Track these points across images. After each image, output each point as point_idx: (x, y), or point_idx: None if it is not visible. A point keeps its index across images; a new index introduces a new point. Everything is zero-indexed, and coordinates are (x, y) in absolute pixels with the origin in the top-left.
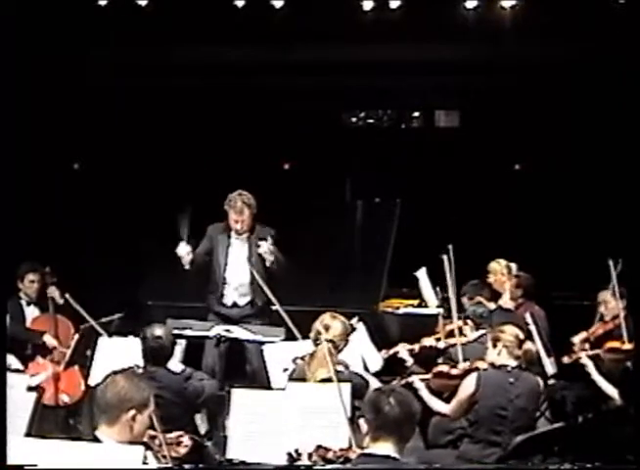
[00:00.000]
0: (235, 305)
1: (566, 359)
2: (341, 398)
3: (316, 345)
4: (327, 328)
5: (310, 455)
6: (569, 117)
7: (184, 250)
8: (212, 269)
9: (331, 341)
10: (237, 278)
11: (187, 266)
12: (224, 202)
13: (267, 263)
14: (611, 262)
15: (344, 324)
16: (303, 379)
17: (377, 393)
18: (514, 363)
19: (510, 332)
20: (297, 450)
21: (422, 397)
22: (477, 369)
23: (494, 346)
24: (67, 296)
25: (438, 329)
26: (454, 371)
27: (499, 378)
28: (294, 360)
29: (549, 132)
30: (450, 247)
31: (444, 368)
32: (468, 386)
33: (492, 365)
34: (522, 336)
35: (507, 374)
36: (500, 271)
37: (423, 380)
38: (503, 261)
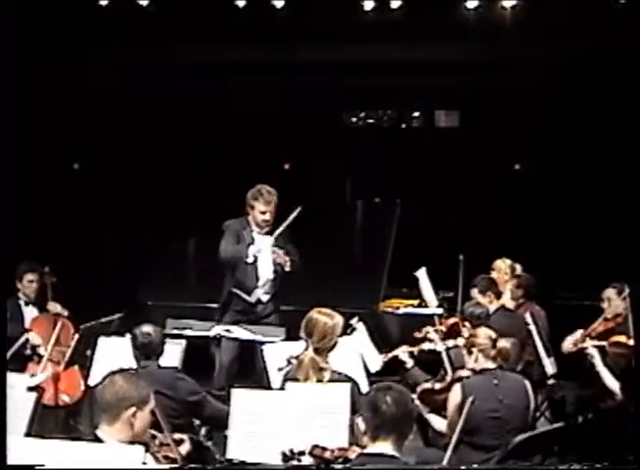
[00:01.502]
0: (259, 301)
1: (571, 347)
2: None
3: (306, 347)
4: (311, 333)
5: (302, 453)
6: (569, 116)
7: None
8: (239, 267)
9: (315, 349)
10: (265, 275)
11: (250, 259)
12: (246, 195)
13: (287, 268)
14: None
15: (332, 318)
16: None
17: (374, 391)
18: (492, 365)
19: (483, 335)
20: (291, 450)
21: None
22: (460, 379)
23: (469, 352)
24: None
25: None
26: (438, 386)
27: (483, 382)
28: (288, 360)
29: (549, 132)
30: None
31: (428, 385)
32: (454, 398)
33: (473, 371)
34: (494, 336)
35: (490, 376)
36: (504, 270)
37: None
38: (508, 261)
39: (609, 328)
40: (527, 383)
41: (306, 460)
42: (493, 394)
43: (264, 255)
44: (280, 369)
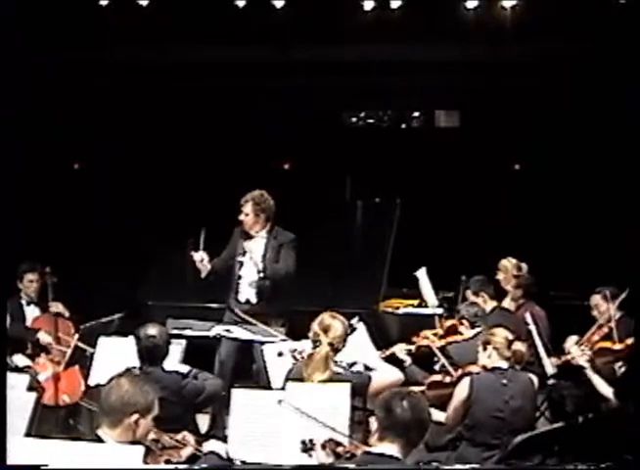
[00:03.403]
0: (247, 301)
1: (554, 361)
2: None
3: (315, 346)
4: (326, 330)
5: (323, 446)
6: (569, 116)
7: (198, 257)
8: (232, 268)
9: (330, 344)
10: (250, 275)
11: (203, 275)
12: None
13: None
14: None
15: (344, 324)
16: (301, 379)
17: (391, 394)
18: (505, 365)
19: (500, 335)
20: (311, 440)
21: None
22: (469, 374)
23: (484, 349)
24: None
25: (437, 329)
26: (447, 379)
27: (492, 380)
28: (291, 351)
29: (549, 132)
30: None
31: (438, 377)
32: (461, 391)
33: (484, 368)
34: (511, 337)
35: (500, 376)
36: (510, 270)
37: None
38: (514, 260)
39: (603, 335)
40: (536, 384)
41: (317, 453)
42: (500, 393)
43: (253, 256)
44: (280, 354)
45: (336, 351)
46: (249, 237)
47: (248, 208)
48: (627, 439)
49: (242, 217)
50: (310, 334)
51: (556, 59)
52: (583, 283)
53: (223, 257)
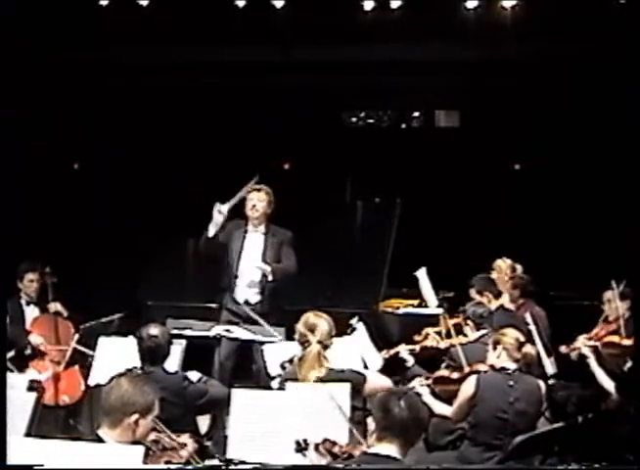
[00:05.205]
0: (246, 302)
1: (564, 349)
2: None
3: (304, 347)
4: (312, 329)
5: (317, 447)
6: (569, 116)
7: (221, 208)
8: (226, 265)
9: (319, 342)
10: (249, 275)
11: (210, 233)
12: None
13: (270, 278)
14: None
15: (329, 322)
16: (295, 381)
17: (388, 394)
18: (513, 366)
19: (511, 335)
20: (305, 440)
21: (425, 401)
22: (477, 372)
23: (494, 348)
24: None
25: (440, 327)
26: (455, 375)
27: (498, 381)
28: (290, 360)
29: (549, 132)
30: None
31: (445, 373)
32: (467, 388)
33: (492, 368)
34: (522, 339)
35: (507, 377)
36: (504, 270)
37: (423, 385)
38: (509, 260)
39: (610, 331)
40: (544, 390)
41: (310, 454)
42: (506, 394)
43: (251, 255)
44: (283, 367)
45: (325, 348)
46: (245, 234)
47: (264, 201)
48: (627, 439)
49: (251, 213)
50: (296, 336)
51: (556, 59)
52: (583, 283)
53: (219, 238)
